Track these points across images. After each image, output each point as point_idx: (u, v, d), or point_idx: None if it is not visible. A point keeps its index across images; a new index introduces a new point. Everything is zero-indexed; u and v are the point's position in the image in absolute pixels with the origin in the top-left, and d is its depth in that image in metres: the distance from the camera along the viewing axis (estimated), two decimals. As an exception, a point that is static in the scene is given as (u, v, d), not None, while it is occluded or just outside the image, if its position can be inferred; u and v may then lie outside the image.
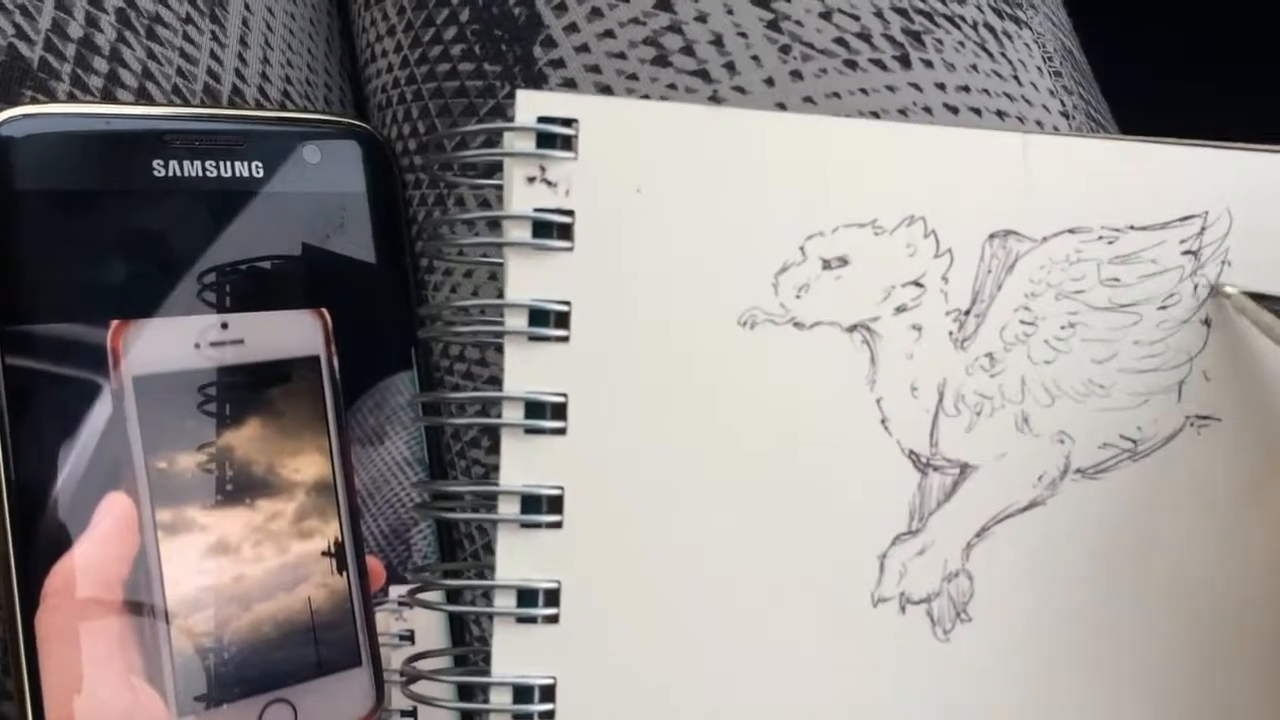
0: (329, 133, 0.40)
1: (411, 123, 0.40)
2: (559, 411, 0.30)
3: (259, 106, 0.42)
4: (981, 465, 0.32)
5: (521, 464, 0.30)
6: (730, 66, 0.36)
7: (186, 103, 0.40)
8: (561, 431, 0.30)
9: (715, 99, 0.37)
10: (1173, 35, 0.63)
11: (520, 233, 0.30)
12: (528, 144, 0.30)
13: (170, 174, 0.37)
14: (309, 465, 0.38)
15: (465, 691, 0.37)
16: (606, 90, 0.37)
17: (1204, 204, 0.34)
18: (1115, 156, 0.33)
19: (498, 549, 0.30)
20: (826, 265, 0.32)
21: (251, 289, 0.38)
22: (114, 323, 0.35)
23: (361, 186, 0.40)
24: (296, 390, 0.38)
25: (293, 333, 0.38)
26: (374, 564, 0.39)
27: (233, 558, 0.36)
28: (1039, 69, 0.40)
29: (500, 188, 0.31)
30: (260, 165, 0.38)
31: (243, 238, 0.38)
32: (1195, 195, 0.34)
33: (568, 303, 0.30)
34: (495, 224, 0.31)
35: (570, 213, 0.31)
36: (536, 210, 0.30)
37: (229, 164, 0.38)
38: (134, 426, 0.35)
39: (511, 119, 0.30)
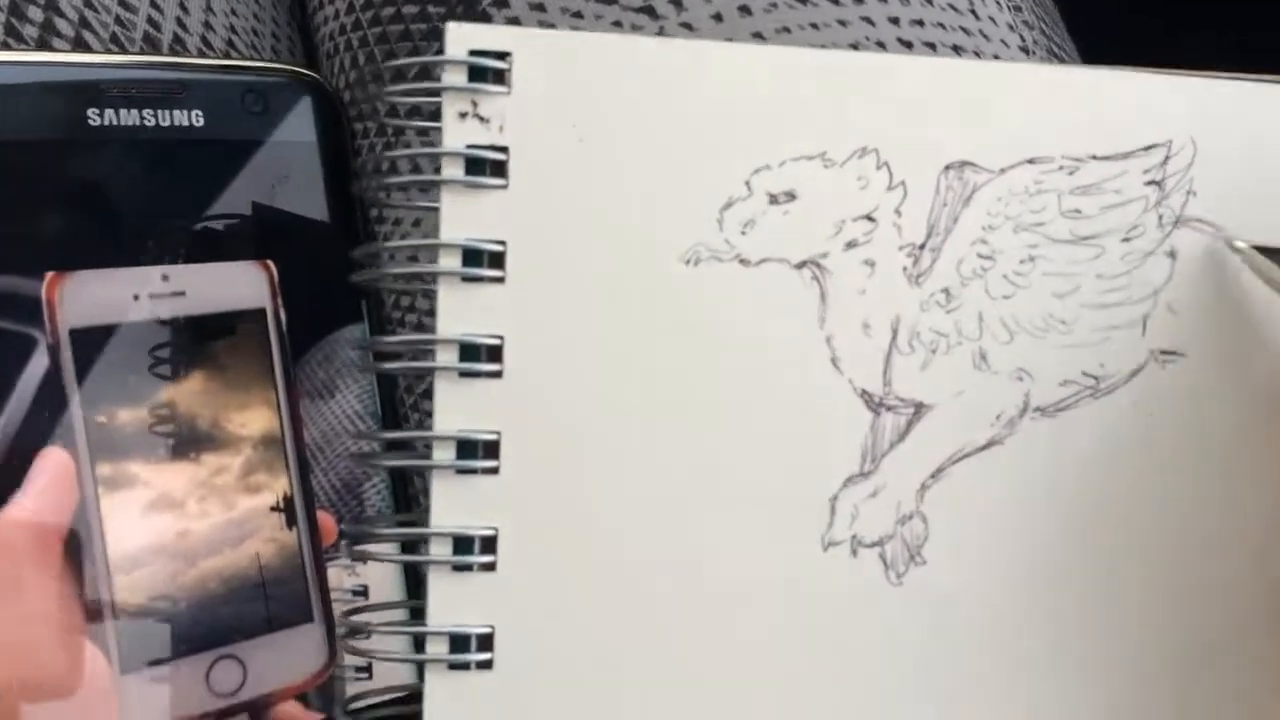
0: (273, 81, 0.39)
1: (359, 70, 0.39)
2: (495, 354, 0.29)
3: (201, 55, 0.41)
4: (937, 404, 0.31)
5: (457, 410, 0.29)
6: (677, 2, 0.35)
7: (125, 52, 0.39)
8: (498, 375, 0.29)
9: (662, 36, 0.35)
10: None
11: (453, 170, 0.29)
12: (459, 78, 0.29)
13: (107, 122, 0.36)
14: (256, 419, 0.37)
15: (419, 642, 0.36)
16: (550, 28, 0.36)
17: (1167, 133, 0.32)
18: (1075, 85, 0.32)
19: (433, 498, 0.29)
20: (774, 200, 0.31)
21: (194, 240, 0.37)
22: (49, 274, 0.34)
23: (308, 136, 0.39)
24: (242, 343, 0.37)
25: (237, 285, 0.37)
26: (325, 519, 0.38)
27: (177, 513, 0.35)
28: (998, 3, 0.38)
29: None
30: (201, 114, 0.37)
31: (184, 188, 0.37)
32: (1158, 124, 0.32)
33: (503, 242, 0.29)
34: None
35: (505, 149, 0.29)
36: (469, 147, 0.29)
37: (168, 113, 0.37)
38: (71, 380, 0.34)
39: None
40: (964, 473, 0.31)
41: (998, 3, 0.38)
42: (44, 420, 0.33)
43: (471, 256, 0.29)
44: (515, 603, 0.29)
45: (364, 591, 0.38)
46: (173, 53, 0.40)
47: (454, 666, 0.29)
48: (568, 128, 0.30)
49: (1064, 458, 0.32)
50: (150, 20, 0.40)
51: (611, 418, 0.30)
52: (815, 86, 0.31)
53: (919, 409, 0.31)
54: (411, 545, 0.38)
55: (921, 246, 0.31)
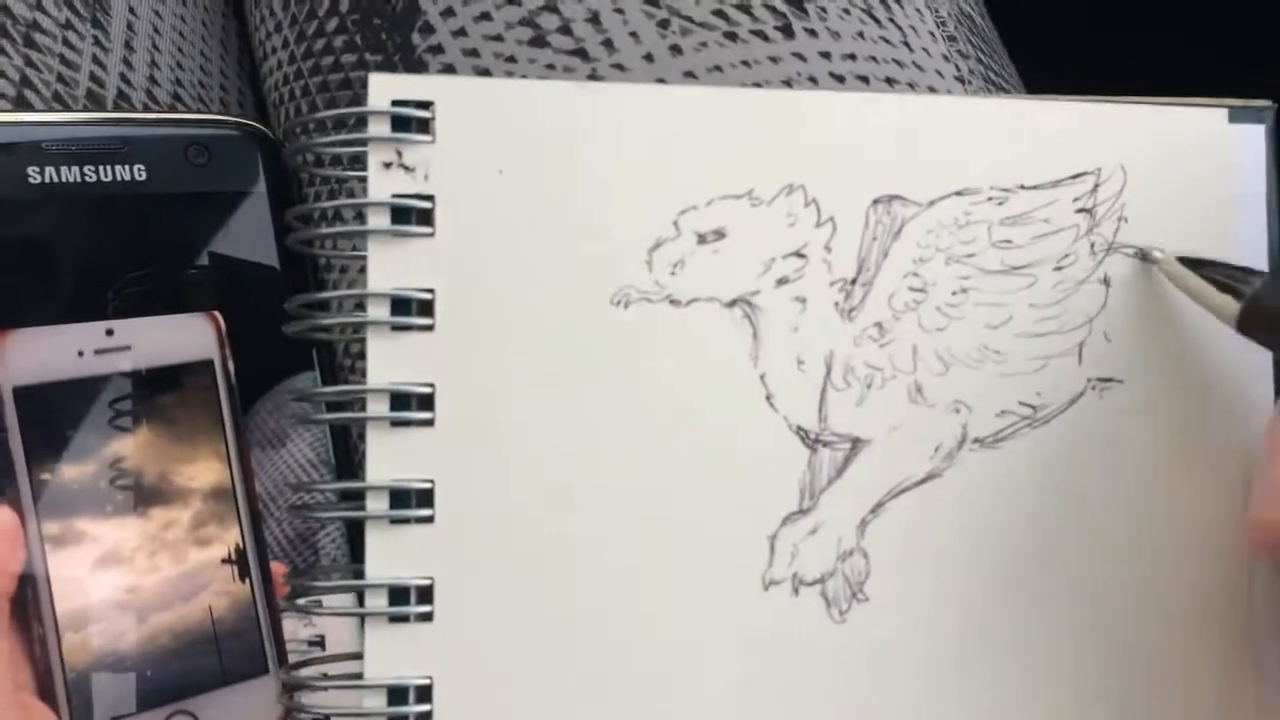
0: (216, 134, 0.39)
1: (288, 121, 0.39)
2: (426, 403, 0.29)
3: (145, 110, 0.41)
4: (874, 439, 0.31)
5: (389, 458, 0.29)
6: (608, 44, 0.36)
7: (67, 109, 0.39)
8: (429, 423, 0.29)
9: (594, 78, 0.36)
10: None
11: (379, 220, 0.30)
12: (383, 129, 0.30)
13: (47, 180, 0.36)
14: (205, 471, 0.37)
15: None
16: (485, 74, 0.36)
17: (1096, 160, 0.32)
18: (1002, 115, 0.32)
19: (367, 549, 0.29)
20: (702, 239, 0.31)
21: (139, 294, 0.37)
22: None
23: (254, 186, 0.39)
24: (190, 395, 0.37)
25: (184, 337, 0.37)
26: (279, 570, 0.38)
27: (127, 569, 0.35)
28: (931, 34, 0.39)
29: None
30: (144, 169, 0.37)
31: (129, 242, 0.37)
32: (1087, 152, 0.32)
33: (431, 290, 0.30)
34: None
35: (430, 197, 0.30)
36: (395, 196, 0.29)
37: (110, 168, 0.37)
38: (15, 439, 0.34)
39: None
40: (904, 507, 0.31)
41: (931, 34, 0.38)
42: None
43: (400, 305, 0.29)
44: (453, 652, 0.29)
45: (320, 642, 0.38)
46: (116, 108, 0.40)
47: (393, 719, 0.29)
48: (493, 174, 0.30)
49: (1004, 488, 0.32)
50: (93, 77, 0.40)
51: (545, 463, 0.30)
52: (740, 125, 0.31)
53: (856, 444, 0.31)
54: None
55: (853, 281, 0.31)
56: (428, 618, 0.29)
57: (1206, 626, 0.32)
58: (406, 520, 0.29)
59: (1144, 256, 0.32)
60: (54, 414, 0.35)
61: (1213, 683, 0.32)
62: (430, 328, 0.30)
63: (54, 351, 0.35)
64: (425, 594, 0.29)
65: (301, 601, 0.30)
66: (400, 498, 0.29)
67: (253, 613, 0.37)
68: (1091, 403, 0.32)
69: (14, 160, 0.36)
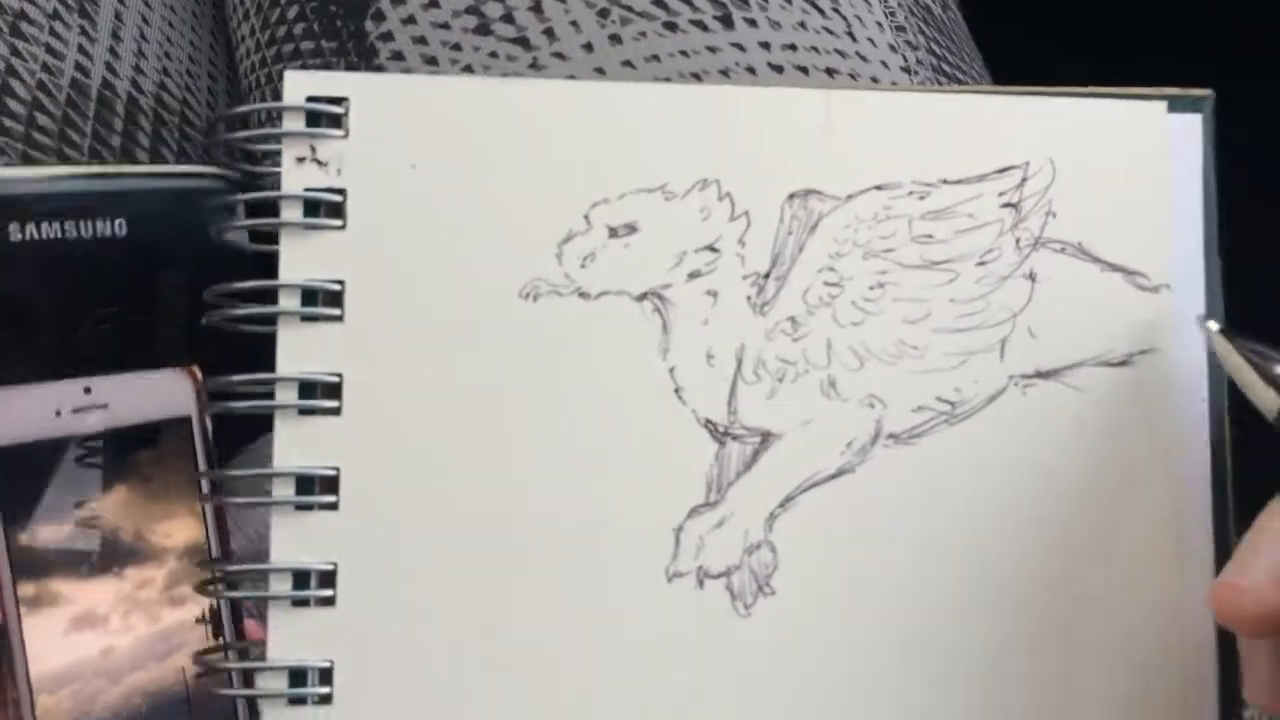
0: (196, 184, 0.37)
1: (208, 115, 0.40)
2: (333, 391, 0.30)
3: (126, 158, 0.40)
4: (785, 433, 0.31)
5: (296, 446, 0.30)
6: (549, 33, 0.36)
7: (52, 98, 0.40)
8: (336, 411, 0.30)
9: (535, 66, 0.36)
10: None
11: (292, 213, 0.30)
12: (298, 124, 0.30)
13: (27, 237, 0.35)
14: (181, 529, 0.36)
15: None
16: (431, 61, 0.36)
17: (1024, 154, 0.32)
18: (924, 108, 0.32)
19: (271, 545, 0.30)
20: (613, 233, 0.31)
21: (118, 349, 0.36)
22: None
23: (234, 235, 0.39)
24: (166, 452, 0.36)
25: (162, 393, 0.36)
26: (254, 628, 0.37)
27: (100, 630, 0.34)
28: (878, 24, 0.38)
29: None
30: (124, 222, 0.36)
31: (109, 298, 0.37)
32: (1014, 145, 0.32)
33: (341, 281, 0.30)
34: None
35: (342, 191, 0.30)
36: (307, 190, 0.30)
37: (90, 223, 0.36)
38: None
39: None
40: (814, 501, 0.31)
41: (879, 24, 0.38)
42: None
43: (310, 296, 0.30)
44: (354, 637, 0.30)
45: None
46: (100, 99, 0.41)
47: (293, 701, 0.30)
48: (405, 168, 0.31)
49: (919, 485, 0.31)
50: (78, 66, 0.41)
51: (451, 454, 0.30)
52: (654, 119, 0.31)
53: (766, 438, 0.31)
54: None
55: (766, 275, 0.31)
56: (330, 602, 0.30)
57: (1124, 636, 0.32)
58: (310, 507, 0.30)
59: (1200, 323, 0.31)
60: (30, 474, 0.34)
61: (1131, 675, 0.32)
62: (339, 318, 0.30)
63: (31, 411, 0.34)
64: (328, 579, 0.30)
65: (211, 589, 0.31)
66: (305, 484, 0.30)
67: (226, 673, 0.37)
68: (1013, 400, 0.32)
69: None
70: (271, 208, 0.30)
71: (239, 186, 0.38)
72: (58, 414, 0.34)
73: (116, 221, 0.36)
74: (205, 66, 0.46)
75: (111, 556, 0.35)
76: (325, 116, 0.30)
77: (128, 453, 0.35)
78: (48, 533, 0.34)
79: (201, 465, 0.35)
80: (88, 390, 0.35)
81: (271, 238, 0.31)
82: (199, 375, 0.36)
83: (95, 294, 0.36)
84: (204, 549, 0.36)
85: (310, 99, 0.30)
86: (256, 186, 0.31)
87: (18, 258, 0.35)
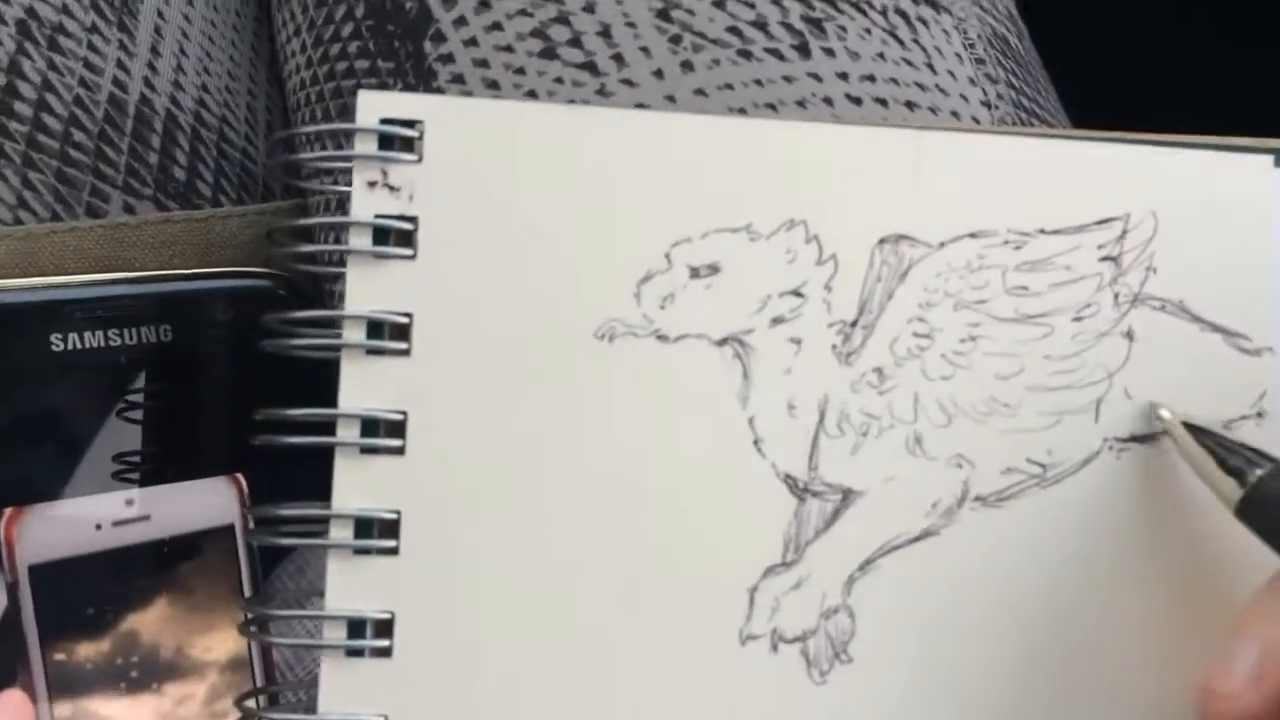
0: (242, 284, 0.36)
1: (270, 133, 0.39)
2: (396, 429, 0.28)
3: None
4: (867, 491, 0.30)
5: (356, 486, 0.28)
6: (618, 58, 0.34)
7: (89, 114, 0.39)
8: (399, 451, 0.28)
9: (603, 92, 0.34)
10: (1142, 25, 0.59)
11: (361, 240, 0.29)
12: (370, 147, 0.29)
13: (70, 347, 0.34)
14: (222, 642, 0.34)
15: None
16: (493, 85, 0.35)
17: (1125, 205, 0.30)
18: (1020, 153, 0.30)
19: (328, 578, 0.28)
20: (695, 273, 0.29)
21: (162, 458, 0.35)
22: (8, 511, 0.32)
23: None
24: (209, 563, 0.34)
25: (205, 503, 0.35)
26: None
27: None
28: (957, 56, 0.37)
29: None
30: (169, 328, 0.35)
31: (151, 405, 0.35)
32: (1116, 196, 0.30)
33: (409, 314, 0.29)
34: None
35: (413, 219, 0.29)
36: (378, 216, 0.29)
37: (135, 330, 0.34)
38: (29, 619, 0.32)
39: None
40: (896, 565, 0.30)
41: (958, 55, 0.36)
42: (2, 661, 0.32)
43: (376, 328, 0.29)
44: (411, 689, 0.28)
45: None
46: (138, 114, 0.40)
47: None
48: (480, 197, 0.29)
49: (1006, 551, 0.30)
50: (116, 81, 0.40)
51: (517, 499, 0.29)
52: (740, 155, 0.30)
53: (847, 495, 0.30)
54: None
55: (853, 324, 0.30)
56: (386, 652, 0.28)
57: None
58: (369, 551, 0.28)
59: (1154, 415, 0.30)
60: (69, 591, 0.33)
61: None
62: (405, 353, 0.29)
63: (71, 526, 0.33)
64: (384, 628, 0.28)
65: (256, 630, 0.29)
66: (364, 527, 0.28)
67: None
68: (1107, 464, 0.30)
69: (35, 327, 0.33)
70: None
71: (286, 285, 0.36)
72: (98, 528, 0.33)
73: (162, 328, 0.35)
74: (245, 83, 0.44)
75: (151, 672, 0.33)
76: (398, 139, 0.29)
77: (169, 565, 0.34)
78: (86, 650, 0.33)
79: (244, 574, 0.34)
80: (129, 502, 0.34)
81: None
82: (243, 483, 0.35)
83: (138, 403, 0.34)
84: (245, 661, 0.34)
85: (384, 120, 0.29)
86: (314, 289, 0.29)
87: (60, 368, 0.33)
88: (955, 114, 0.36)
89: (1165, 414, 0.30)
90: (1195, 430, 0.29)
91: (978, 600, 0.30)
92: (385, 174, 0.29)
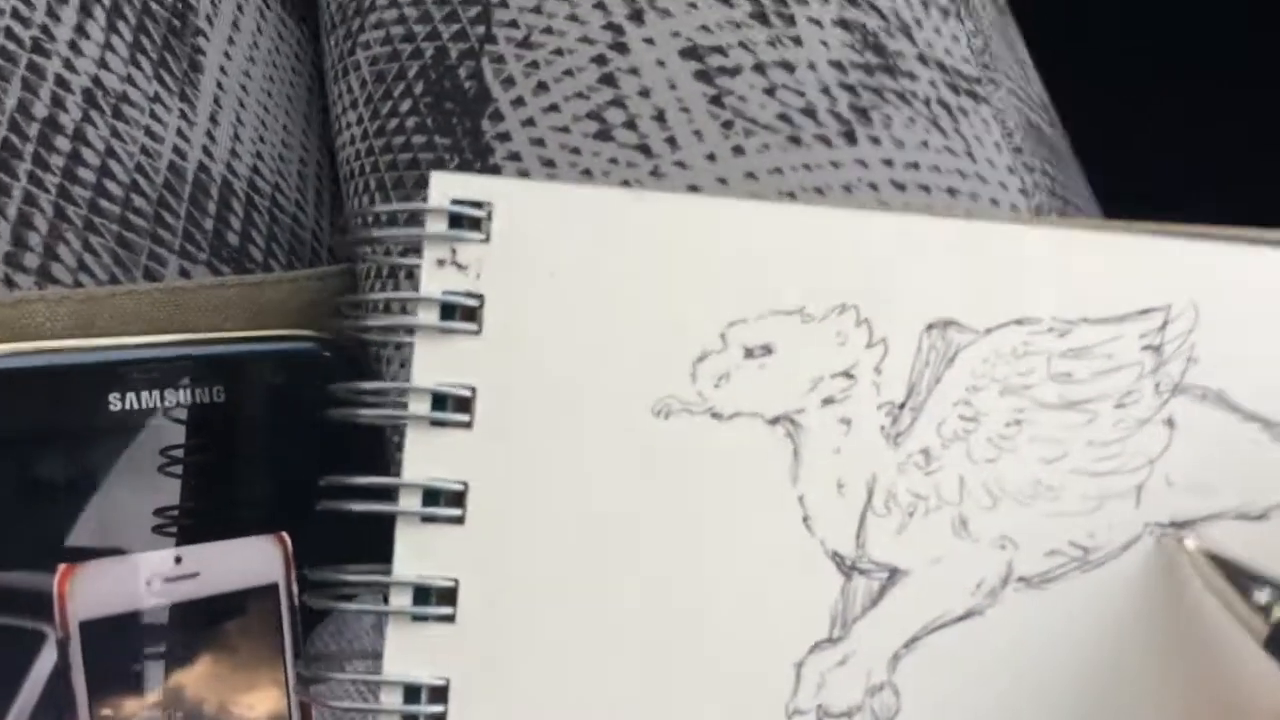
0: (293, 347, 0.37)
1: (371, 194, 0.40)
2: (456, 500, 0.29)
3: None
4: (913, 570, 0.30)
5: (416, 554, 0.29)
6: (671, 141, 0.35)
7: (149, 181, 0.40)
8: (459, 520, 0.29)
9: (656, 174, 0.35)
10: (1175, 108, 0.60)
11: (429, 315, 0.30)
12: (440, 226, 0.30)
13: (128, 406, 0.35)
14: (264, 700, 0.35)
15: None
16: (549, 164, 0.36)
17: (1167, 296, 0.31)
18: (1064, 243, 0.31)
19: (387, 643, 0.29)
20: (749, 354, 0.30)
21: (211, 518, 0.35)
22: (61, 568, 0.32)
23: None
24: (253, 621, 0.35)
25: (251, 561, 0.35)
26: None
27: None
28: (996, 145, 0.38)
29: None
30: (222, 389, 0.36)
31: (202, 465, 0.36)
32: (1157, 287, 0.31)
33: (472, 388, 0.29)
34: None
35: (479, 296, 0.30)
36: (445, 293, 0.30)
37: (189, 391, 0.36)
38: (79, 675, 0.32)
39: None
40: (940, 643, 0.30)
41: (997, 144, 0.37)
42: (50, 717, 0.32)
43: (439, 401, 0.29)
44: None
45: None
46: (195, 181, 0.41)
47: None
48: (544, 276, 0.30)
49: (1049, 632, 0.30)
50: (176, 149, 0.41)
51: (573, 571, 0.29)
52: (795, 241, 0.31)
53: (894, 574, 0.30)
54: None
55: (901, 406, 0.31)
56: (441, 719, 0.29)
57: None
58: (426, 618, 0.29)
59: (1178, 542, 0.31)
60: (118, 647, 0.33)
61: None
62: (468, 425, 0.29)
63: (122, 583, 0.34)
64: (440, 694, 0.29)
65: (313, 690, 0.29)
66: (422, 594, 0.29)
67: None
68: (1147, 548, 0.31)
69: (95, 387, 0.34)
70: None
71: (333, 348, 0.37)
72: (148, 584, 0.34)
73: (215, 388, 0.36)
74: (296, 150, 0.46)
75: None
76: (466, 219, 0.30)
77: (214, 622, 0.34)
78: (132, 705, 0.33)
79: (286, 633, 0.34)
80: (179, 560, 0.34)
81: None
82: (288, 543, 0.35)
83: (191, 461, 0.35)
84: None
85: (455, 201, 0.30)
86: (362, 353, 0.30)
87: (116, 428, 0.34)
88: (995, 201, 0.37)
89: (1190, 545, 0.30)
90: (1219, 562, 0.29)
91: (1019, 679, 0.30)
92: (454, 252, 0.30)
